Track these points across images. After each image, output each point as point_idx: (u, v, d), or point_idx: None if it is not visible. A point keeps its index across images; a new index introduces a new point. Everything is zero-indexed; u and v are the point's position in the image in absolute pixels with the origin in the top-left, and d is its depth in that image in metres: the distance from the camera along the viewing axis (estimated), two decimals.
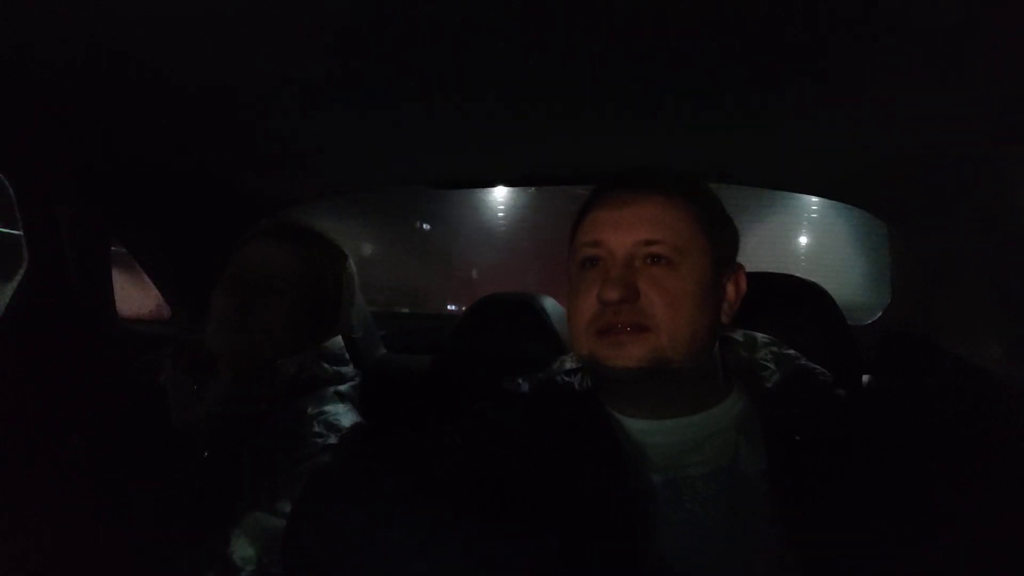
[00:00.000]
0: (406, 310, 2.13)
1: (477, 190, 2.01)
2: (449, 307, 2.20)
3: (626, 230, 0.63)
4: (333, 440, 0.79)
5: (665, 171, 0.70)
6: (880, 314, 1.27)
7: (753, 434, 0.62)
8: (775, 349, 0.70)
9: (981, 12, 0.56)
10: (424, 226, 2.21)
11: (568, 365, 0.73)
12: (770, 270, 0.97)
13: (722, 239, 0.67)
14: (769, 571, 0.56)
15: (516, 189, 2.03)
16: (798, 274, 0.97)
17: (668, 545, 0.57)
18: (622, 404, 0.66)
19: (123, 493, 0.88)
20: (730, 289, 0.67)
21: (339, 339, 0.95)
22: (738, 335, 0.72)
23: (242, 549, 0.70)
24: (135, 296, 1.39)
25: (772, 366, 0.67)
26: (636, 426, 0.64)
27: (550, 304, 1.05)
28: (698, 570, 0.56)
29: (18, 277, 0.97)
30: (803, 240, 1.76)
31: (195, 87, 0.79)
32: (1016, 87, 0.66)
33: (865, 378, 1.03)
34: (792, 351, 0.70)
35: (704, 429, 0.63)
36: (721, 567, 0.56)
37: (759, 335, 0.72)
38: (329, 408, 0.84)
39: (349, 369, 0.93)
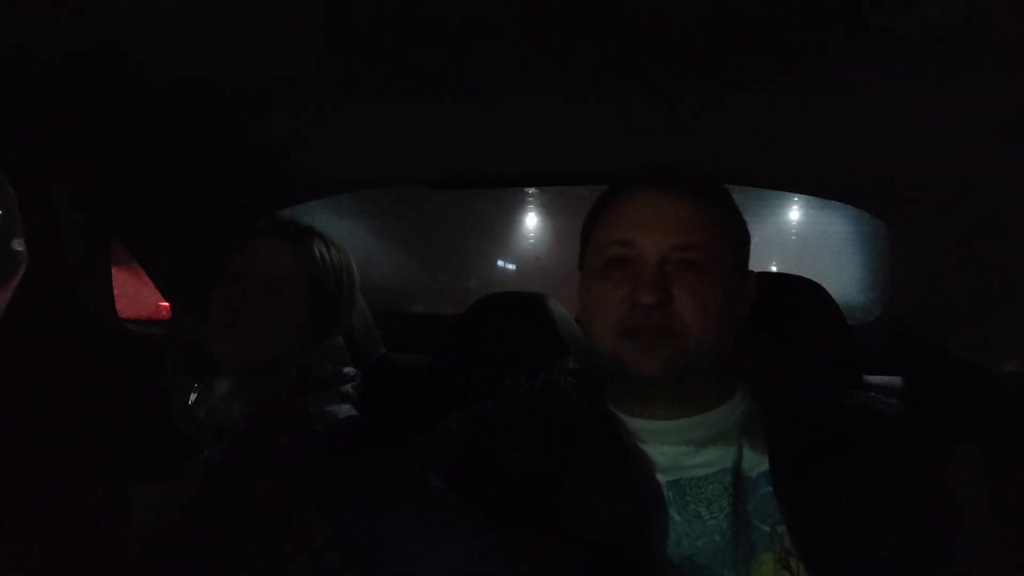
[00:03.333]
0: (406, 310, 2.13)
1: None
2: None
3: (660, 232, 0.61)
4: (335, 440, 0.79)
5: (689, 171, 0.69)
6: (880, 314, 1.27)
7: (756, 435, 0.62)
8: (778, 349, 0.70)
9: (981, 12, 0.56)
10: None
11: (571, 365, 0.73)
12: (769, 270, 0.97)
13: (742, 244, 0.67)
14: (771, 574, 0.56)
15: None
16: (798, 274, 0.97)
17: (672, 545, 0.57)
18: (629, 405, 0.65)
19: (123, 493, 0.88)
20: (744, 294, 0.67)
21: (339, 339, 0.95)
22: (742, 336, 0.72)
23: (244, 549, 0.70)
24: (135, 296, 1.39)
25: (775, 367, 0.67)
26: (641, 426, 0.64)
27: (550, 303, 1.05)
28: (702, 571, 0.56)
29: (18, 277, 0.97)
30: (802, 240, 1.76)
31: (195, 86, 0.79)
32: (1016, 87, 0.66)
33: (865, 378, 1.03)
34: (794, 352, 0.70)
35: (708, 430, 0.63)
36: (725, 568, 0.56)
37: (762, 336, 0.72)
38: (330, 408, 0.84)
39: (349, 369, 0.93)
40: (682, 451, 0.62)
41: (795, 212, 1.74)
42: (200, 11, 0.61)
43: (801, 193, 1.26)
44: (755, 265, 0.71)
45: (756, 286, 0.69)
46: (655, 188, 0.65)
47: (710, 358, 0.61)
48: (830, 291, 0.93)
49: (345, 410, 0.85)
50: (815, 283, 0.94)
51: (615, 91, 0.79)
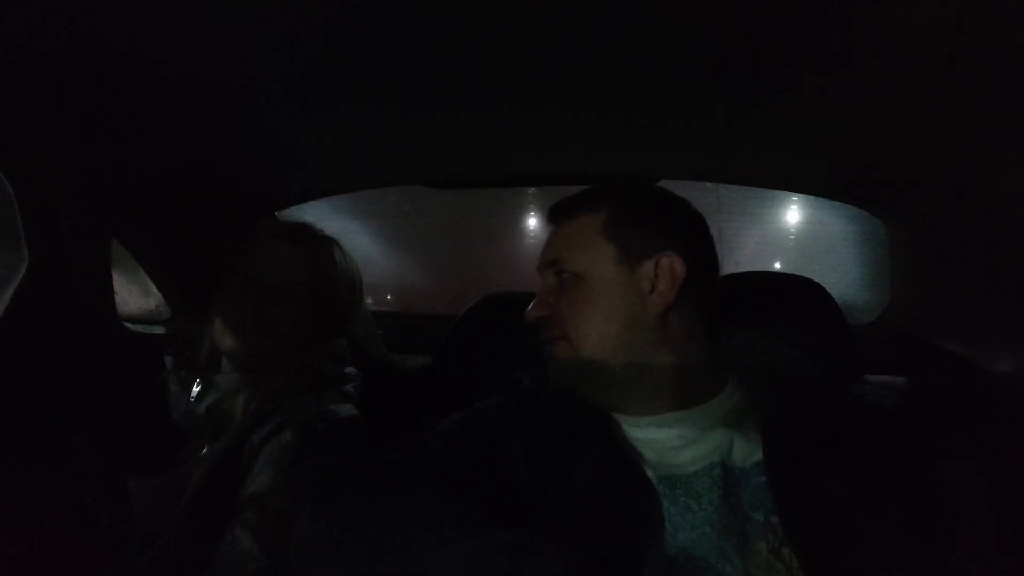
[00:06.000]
0: (406, 310, 2.13)
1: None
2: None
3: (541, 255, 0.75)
4: (336, 439, 0.79)
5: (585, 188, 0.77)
6: (880, 314, 1.27)
7: (748, 428, 0.62)
8: (770, 343, 0.70)
9: (980, 10, 0.56)
10: None
11: None
12: (770, 270, 0.97)
13: (632, 235, 0.67)
14: (764, 563, 0.56)
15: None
16: (798, 273, 0.97)
17: (664, 539, 0.58)
18: (607, 403, 0.66)
19: (123, 492, 0.88)
20: (653, 278, 0.66)
21: (342, 339, 0.96)
22: (733, 330, 0.72)
23: (244, 546, 0.70)
24: (135, 296, 1.38)
25: (767, 360, 0.68)
26: (628, 423, 0.65)
27: None
28: (694, 564, 0.57)
29: (18, 277, 0.97)
30: (802, 240, 1.76)
31: (195, 86, 0.79)
32: (1015, 87, 0.66)
33: (865, 378, 1.03)
34: (787, 345, 0.70)
35: (697, 424, 0.63)
36: (719, 559, 0.56)
37: (754, 330, 0.72)
38: (331, 407, 0.84)
39: (350, 369, 0.93)
40: (671, 445, 0.63)
41: (795, 212, 1.74)
42: (202, 9, 0.61)
43: (801, 193, 1.25)
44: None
45: (681, 264, 0.66)
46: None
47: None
48: (830, 291, 0.93)
49: (346, 409, 0.85)
50: (815, 283, 0.94)
51: (616, 93, 0.79)
